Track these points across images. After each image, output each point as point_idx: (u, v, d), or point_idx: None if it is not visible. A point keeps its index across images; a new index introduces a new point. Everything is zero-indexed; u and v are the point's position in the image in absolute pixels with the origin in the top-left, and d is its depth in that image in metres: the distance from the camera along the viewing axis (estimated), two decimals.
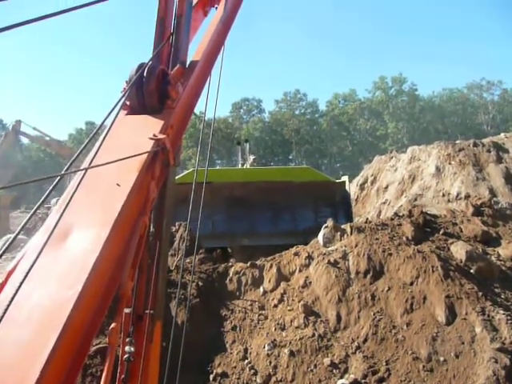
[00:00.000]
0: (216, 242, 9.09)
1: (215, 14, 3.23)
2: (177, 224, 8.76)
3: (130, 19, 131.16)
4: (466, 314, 5.91)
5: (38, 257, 1.43)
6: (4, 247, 1.42)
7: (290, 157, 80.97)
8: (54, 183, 1.62)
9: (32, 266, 1.40)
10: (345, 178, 10.92)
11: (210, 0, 3.51)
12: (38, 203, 1.53)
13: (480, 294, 6.22)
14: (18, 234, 1.59)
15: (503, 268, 7.24)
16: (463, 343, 5.62)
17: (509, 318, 5.82)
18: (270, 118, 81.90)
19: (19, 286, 1.33)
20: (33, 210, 1.58)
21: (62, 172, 1.65)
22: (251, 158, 15.27)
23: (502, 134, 17.11)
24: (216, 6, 3.44)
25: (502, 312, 5.92)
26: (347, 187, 10.63)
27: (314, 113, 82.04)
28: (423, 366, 5.50)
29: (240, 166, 15.58)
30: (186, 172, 9.59)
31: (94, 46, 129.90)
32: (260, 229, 10.08)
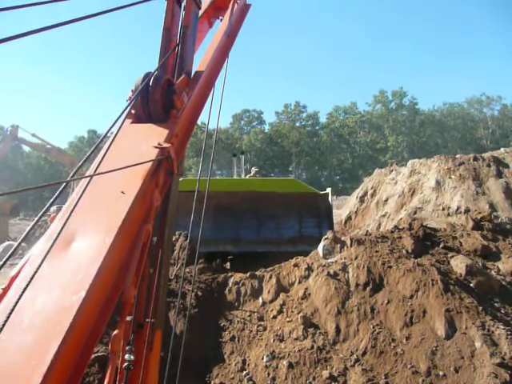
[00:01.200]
0: (202, 248, 9.18)
1: (220, 26, 3.27)
2: (177, 233, 8.75)
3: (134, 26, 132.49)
4: (466, 328, 5.88)
5: (41, 263, 1.44)
6: (7, 255, 1.43)
7: (290, 168, 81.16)
8: (60, 190, 1.63)
9: (35, 272, 1.41)
10: (328, 190, 11.17)
11: (215, 11, 3.56)
12: (42, 211, 1.55)
13: (480, 308, 6.20)
14: (21, 243, 1.60)
15: (503, 283, 7.22)
16: (463, 358, 5.58)
17: (509, 333, 5.78)
18: (270, 130, 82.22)
19: (22, 292, 1.34)
20: (37, 217, 1.59)
21: (68, 179, 1.67)
22: (253, 169, 15.59)
23: (502, 149, 17.12)
24: (221, 17, 3.49)
25: (501, 327, 5.89)
26: (330, 199, 10.87)
27: (315, 125, 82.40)
28: (422, 381, 5.45)
29: (235, 177, 15.79)
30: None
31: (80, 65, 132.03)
32: (245, 236, 10.31)
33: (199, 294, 7.18)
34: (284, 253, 8.70)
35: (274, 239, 10.23)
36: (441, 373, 5.48)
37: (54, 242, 1.51)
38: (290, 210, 10.44)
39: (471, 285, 6.88)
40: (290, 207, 10.44)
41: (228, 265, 10.09)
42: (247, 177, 15.03)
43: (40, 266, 1.43)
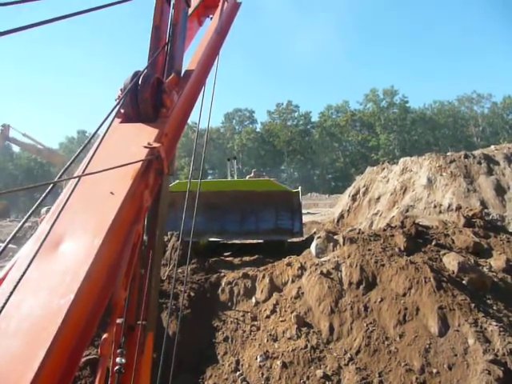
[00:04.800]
0: (194, 237, 10.22)
1: (210, 24, 3.24)
2: (169, 233, 8.71)
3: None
4: (459, 325, 5.91)
5: (29, 265, 1.40)
6: None
7: (282, 167, 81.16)
8: (47, 191, 1.60)
9: (23, 275, 1.37)
10: (299, 189, 12.54)
11: (205, 10, 3.52)
12: (30, 211, 1.51)
13: (472, 305, 6.22)
14: (8, 244, 1.56)
15: (495, 279, 7.26)
16: (456, 355, 5.60)
17: (501, 329, 5.81)
18: (262, 129, 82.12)
19: (9, 296, 1.30)
20: (24, 218, 1.54)
21: (55, 179, 1.63)
22: (252, 171, 18.46)
23: (493, 147, 17.24)
24: (211, 15, 3.45)
25: (494, 323, 5.92)
26: (300, 197, 12.19)
27: (307, 124, 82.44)
28: (416, 378, 5.47)
29: (229, 178, 17.61)
30: (173, 183, 10.94)
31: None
32: (229, 228, 11.79)
33: (192, 294, 7.14)
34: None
35: (252, 230, 11.79)
36: (434, 370, 5.50)
37: (42, 243, 1.48)
38: (267, 205, 11.84)
39: (464, 282, 6.91)
40: (268, 203, 11.80)
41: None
42: (247, 177, 16.89)
43: (27, 268, 1.39)
